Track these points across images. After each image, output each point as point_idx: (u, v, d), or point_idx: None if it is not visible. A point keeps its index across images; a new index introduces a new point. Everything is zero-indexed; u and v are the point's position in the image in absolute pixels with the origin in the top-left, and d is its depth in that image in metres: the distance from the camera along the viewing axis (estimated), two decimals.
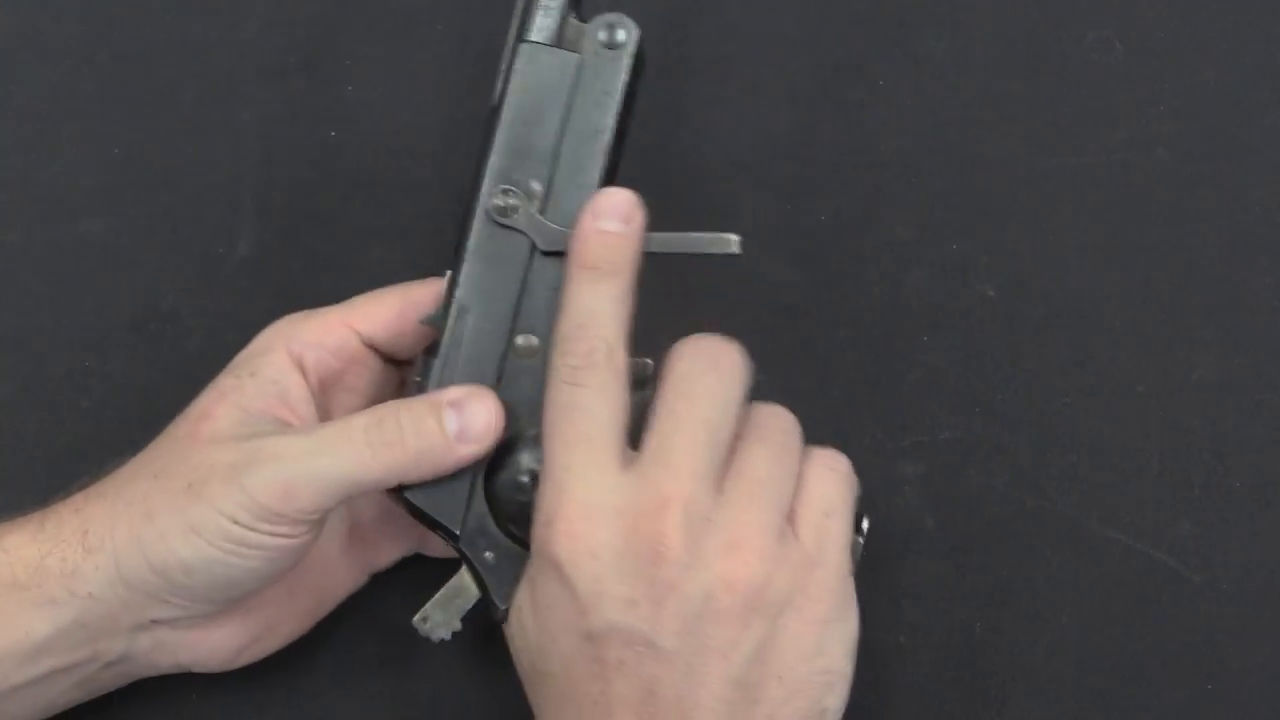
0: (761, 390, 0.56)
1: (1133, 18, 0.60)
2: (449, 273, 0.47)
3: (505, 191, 0.46)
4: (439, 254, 0.58)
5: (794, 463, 0.45)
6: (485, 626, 0.48)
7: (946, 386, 0.56)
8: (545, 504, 0.43)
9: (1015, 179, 0.58)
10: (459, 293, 0.47)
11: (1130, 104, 0.59)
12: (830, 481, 0.45)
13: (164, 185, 0.59)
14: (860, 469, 0.55)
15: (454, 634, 0.47)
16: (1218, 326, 0.56)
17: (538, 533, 0.43)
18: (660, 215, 0.59)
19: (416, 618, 0.47)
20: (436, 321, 0.47)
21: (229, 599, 0.47)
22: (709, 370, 0.44)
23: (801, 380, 0.56)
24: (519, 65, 0.47)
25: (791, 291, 0.57)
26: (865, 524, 0.47)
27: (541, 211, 0.46)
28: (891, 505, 0.54)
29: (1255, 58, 0.60)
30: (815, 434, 0.55)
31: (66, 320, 0.57)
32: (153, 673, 0.49)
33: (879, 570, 0.53)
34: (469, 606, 0.47)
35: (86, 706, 0.49)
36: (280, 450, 0.45)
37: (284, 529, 0.44)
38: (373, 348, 0.50)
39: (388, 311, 0.49)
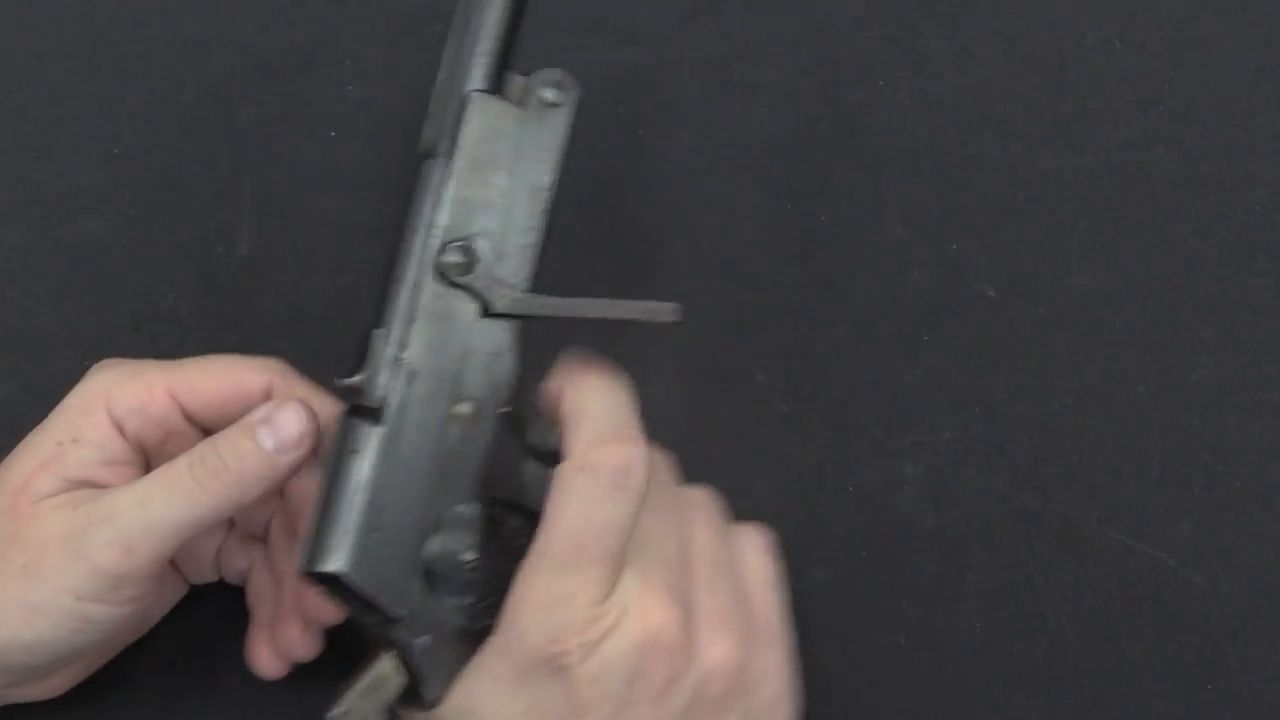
0: (761, 390, 0.56)
1: (1133, 18, 0.60)
2: (378, 330, 0.44)
3: (461, 248, 0.44)
4: None
5: (732, 540, 0.45)
6: None
7: (946, 386, 0.56)
8: (556, 614, 0.41)
9: (1015, 179, 0.58)
10: (409, 354, 0.43)
11: (1130, 104, 0.59)
12: (764, 554, 0.46)
13: (164, 185, 0.59)
14: (860, 469, 0.55)
15: None
16: (1218, 326, 0.56)
17: (539, 639, 0.41)
18: (662, 216, 0.59)
19: (335, 711, 0.43)
20: (368, 384, 0.43)
21: (70, 663, 0.46)
22: (660, 482, 0.44)
23: (802, 380, 0.56)
24: (472, 115, 0.45)
25: (791, 291, 0.57)
26: None
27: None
28: (891, 505, 0.54)
29: (1255, 58, 0.60)
30: (816, 434, 0.55)
31: (66, 320, 0.57)
32: None
33: (879, 570, 0.53)
34: (393, 696, 0.43)
35: (81, 692, 0.49)
36: (112, 509, 0.43)
37: (128, 592, 0.44)
38: (192, 420, 0.48)
39: (214, 388, 0.47)
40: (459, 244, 0.44)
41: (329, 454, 0.44)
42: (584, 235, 0.57)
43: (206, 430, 0.48)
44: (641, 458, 0.42)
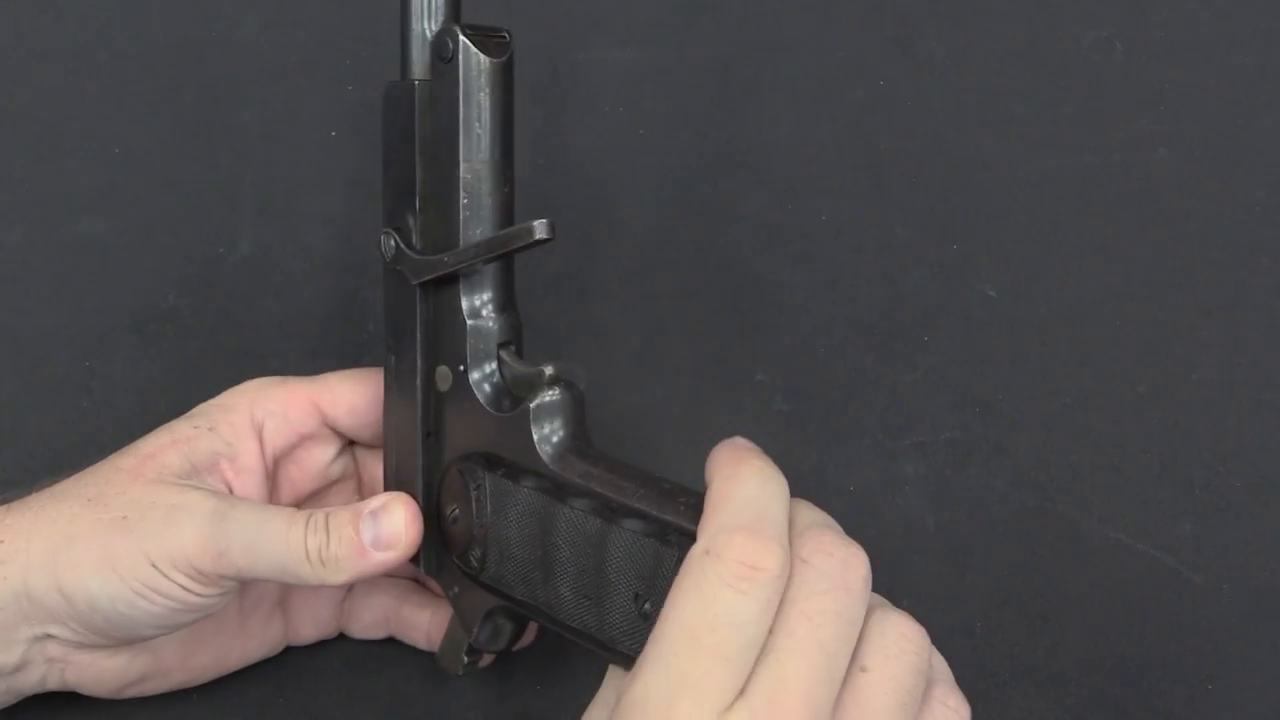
0: (761, 390, 0.56)
1: (1133, 18, 0.60)
2: None
3: (385, 234, 0.46)
4: None
5: (916, 704, 0.39)
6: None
7: (946, 386, 0.56)
8: (676, 709, 0.36)
9: (1015, 179, 0.58)
10: (388, 334, 0.47)
11: (1130, 104, 0.59)
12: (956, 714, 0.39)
13: (164, 185, 0.59)
14: (860, 469, 0.55)
15: (477, 667, 0.48)
16: (1218, 326, 0.56)
17: None
18: (662, 216, 0.59)
19: (437, 652, 0.49)
20: None
21: (124, 639, 0.47)
22: (837, 587, 0.38)
23: (801, 380, 0.56)
24: (385, 106, 0.46)
25: (791, 291, 0.57)
26: None
27: (412, 244, 0.45)
28: (891, 505, 0.54)
29: (1255, 58, 0.60)
30: (816, 434, 0.55)
31: (66, 320, 0.57)
32: (41, 689, 0.48)
33: (879, 570, 0.53)
34: (464, 645, 0.47)
35: (94, 706, 0.49)
36: (228, 511, 0.45)
37: (197, 585, 0.45)
38: (334, 428, 0.50)
39: (354, 394, 0.49)
40: (388, 230, 0.46)
41: None
42: (584, 235, 0.57)
43: (345, 438, 0.50)
44: (775, 558, 0.37)
